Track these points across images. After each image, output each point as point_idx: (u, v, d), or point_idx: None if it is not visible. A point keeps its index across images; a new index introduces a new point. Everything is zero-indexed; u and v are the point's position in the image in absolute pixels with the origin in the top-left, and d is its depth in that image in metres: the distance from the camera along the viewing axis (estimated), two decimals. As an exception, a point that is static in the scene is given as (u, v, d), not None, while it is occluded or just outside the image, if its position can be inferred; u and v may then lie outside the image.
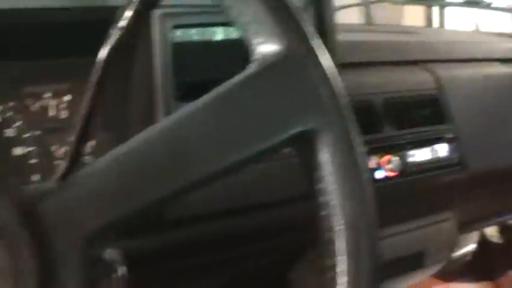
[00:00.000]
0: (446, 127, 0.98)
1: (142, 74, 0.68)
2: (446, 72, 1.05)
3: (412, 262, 1.00)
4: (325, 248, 0.36)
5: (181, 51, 0.68)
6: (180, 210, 0.64)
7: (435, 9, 2.81)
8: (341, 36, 1.11)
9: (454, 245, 1.06)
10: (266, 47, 0.38)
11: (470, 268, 1.50)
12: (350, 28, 1.44)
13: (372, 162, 0.86)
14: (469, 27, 3.32)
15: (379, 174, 0.86)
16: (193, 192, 0.37)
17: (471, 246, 1.38)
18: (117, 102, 0.67)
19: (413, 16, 2.85)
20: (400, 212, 0.96)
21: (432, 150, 0.94)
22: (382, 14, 2.59)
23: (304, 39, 0.38)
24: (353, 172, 0.36)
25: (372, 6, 2.48)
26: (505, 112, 1.10)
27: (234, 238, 0.72)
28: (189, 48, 0.69)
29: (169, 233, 0.66)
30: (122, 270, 0.42)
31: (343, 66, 0.94)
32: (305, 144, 0.37)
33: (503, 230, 1.52)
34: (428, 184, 0.95)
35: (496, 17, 2.88)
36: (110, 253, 0.43)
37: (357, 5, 2.10)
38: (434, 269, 1.06)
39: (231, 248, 0.73)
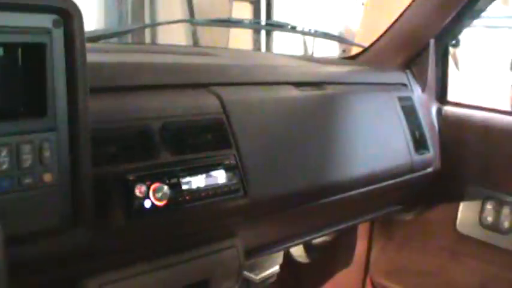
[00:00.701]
0: (229, 152, 0.96)
1: None
2: (234, 96, 1.02)
3: (198, 291, 0.96)
4: None
5: None
6: None
7: (263, 33, 2.89)
8: (119, 58, 1.06)
9: (242, 270, 1.04)
10: None
11: (278, 288, 1.51)
12: (134, 49, 1.40)
13: (140, 190, 0.81)
14: (299, 51, 3.47)
15: (147, 204, 0.82)
16: None
17: (275, 268, 1.39)
18: None
19: (241, 39, 2.90)
20: (177, 242, 0.93)
21: (210, 177, 0.91)
22: (211, 36, 2.60)
23: None
24: None
25: (199, 28, 2.48)
26: (292, 137, 1.08)
27: None
28: None
29: None
30: None
31: (116, 89, 0.90)
32: None
33: (309, 249, 1.55)
34: (206, 212, 0.92)
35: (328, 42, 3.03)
36: None
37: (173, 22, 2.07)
38: (223, 296, 1.03)
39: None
